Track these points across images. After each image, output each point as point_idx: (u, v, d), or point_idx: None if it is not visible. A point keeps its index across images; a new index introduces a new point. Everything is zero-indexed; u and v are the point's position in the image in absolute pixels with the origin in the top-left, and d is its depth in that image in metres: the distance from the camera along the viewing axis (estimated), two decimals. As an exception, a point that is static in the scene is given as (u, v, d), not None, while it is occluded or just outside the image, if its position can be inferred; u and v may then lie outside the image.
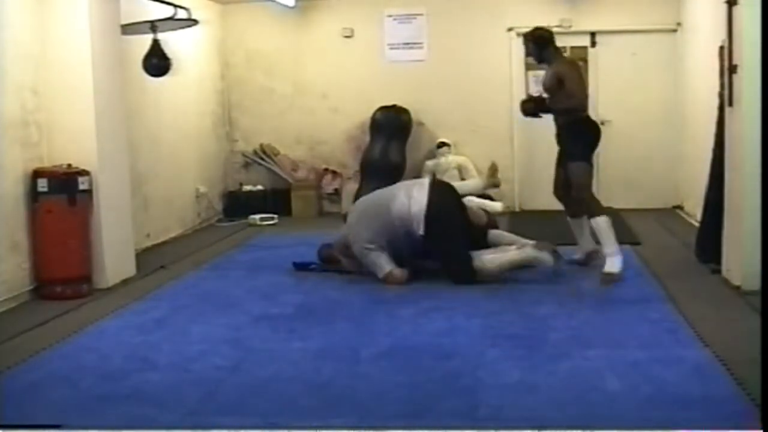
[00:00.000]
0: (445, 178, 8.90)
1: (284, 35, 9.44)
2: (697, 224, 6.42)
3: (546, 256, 5.43)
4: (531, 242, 5.64)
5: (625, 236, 7.26)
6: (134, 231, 6.38)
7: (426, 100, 9.13)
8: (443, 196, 5.62)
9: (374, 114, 9.10)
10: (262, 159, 9.47)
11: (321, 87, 9.42)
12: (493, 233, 5.98)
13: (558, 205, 8.99)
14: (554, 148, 9.10)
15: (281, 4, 8.76)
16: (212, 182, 9.02)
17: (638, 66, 8.95)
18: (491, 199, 8.95)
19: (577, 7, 8.88)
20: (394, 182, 8.75)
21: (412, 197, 5.49)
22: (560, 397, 3.43)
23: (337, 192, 9.41)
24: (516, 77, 9.09)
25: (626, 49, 8.96)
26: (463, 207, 5.81)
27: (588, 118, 5.90)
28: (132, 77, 6.66)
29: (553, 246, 5.57)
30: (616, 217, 8.37)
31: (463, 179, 8.97)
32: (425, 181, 5.85)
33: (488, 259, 5.45)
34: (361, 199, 5.97)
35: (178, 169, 8.14)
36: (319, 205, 9.42)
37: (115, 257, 5.86)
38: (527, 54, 6.47)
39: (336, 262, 5.88)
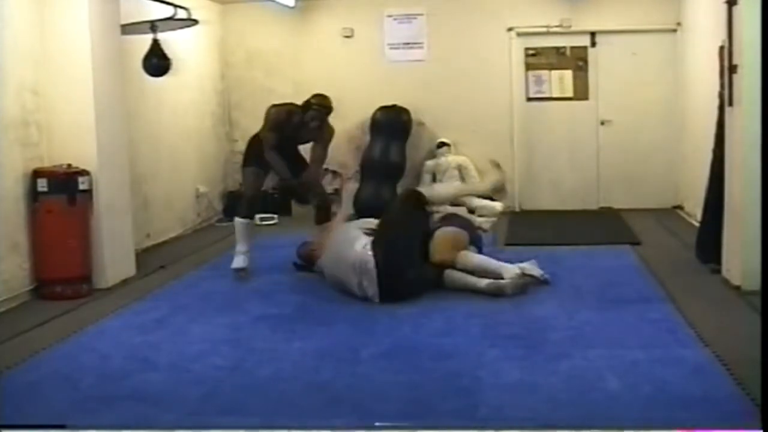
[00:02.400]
0: (445, 179, 8.94)
1: (284, 35, 9.44)
2: (697, 224, 6.41)
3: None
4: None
5: (625, 236, 7.30)
6: (134, 231, 6.38)
7: (426, 100, 9.12)
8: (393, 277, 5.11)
9: (374, 114, 9.09)
10: (262, 159, 9.46)
11: (321, 87, 9.34)
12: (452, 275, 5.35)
13: (557, 206, 9.09)
14: (554, 148, 9.17)
15: (281, 4, 8.75)
16: (212, 182, 9.01)
17: (638, 66, 8.94)
18: (491, 199, 8.96)
19: (577, 7, 8.88)
20: (395, 183, 8.87)
21: (363, 288, 5.10)
22: (560, 397, 3.44)
23: (337, 192, 9.39)
24: (516, 77, 9.09)
25: (626, 49, 8.95)
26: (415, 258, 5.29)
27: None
28: (132, 77, 6.66)
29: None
30: (616, 217, 8.43)
31: (463, 179, 8.97)
32: (369, 264, 5.09)
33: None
34: (327, 252, 5.50)
35: (178, 169, 8.14)
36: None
37: (115, 257, 5.86)
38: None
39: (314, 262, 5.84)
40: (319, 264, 5.68)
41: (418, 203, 5.55)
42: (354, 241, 5.25)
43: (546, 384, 3.58)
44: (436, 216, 5.76)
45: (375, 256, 5.08)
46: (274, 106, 6.23)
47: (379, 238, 5.21)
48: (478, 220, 5.96)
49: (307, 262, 5.96)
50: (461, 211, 6.11)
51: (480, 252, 5.57)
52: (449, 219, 5.73)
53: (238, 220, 6.02)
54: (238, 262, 5.90)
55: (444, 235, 5.45)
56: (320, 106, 6.12)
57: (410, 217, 5.47)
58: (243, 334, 4.51)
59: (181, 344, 4.33)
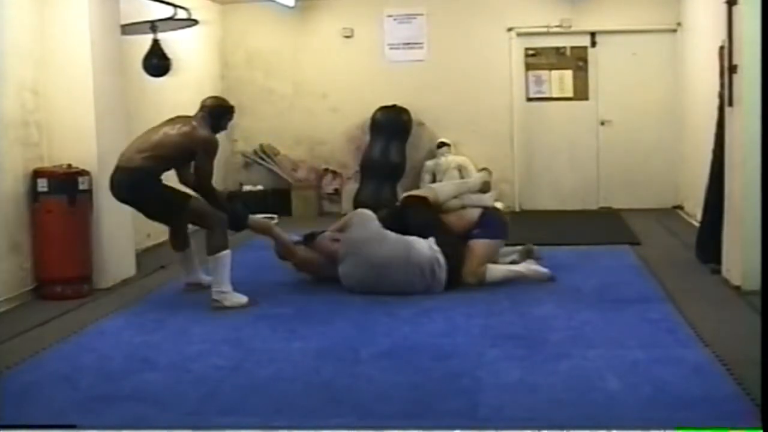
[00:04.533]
0: (445, 179, 8.93)
1: (284, 35, 9.44)
2: (697, 224, 6.41)
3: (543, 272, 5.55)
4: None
5: (625, 236, 7.30)
6: (134, 231, 6.38)
7: (426, 100, 9.13)
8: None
9: (374, 114, 9.10)
10: (262, 159, 9.48)
11: (321, 87, 9.42)
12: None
13: (557, 206, 9.09)
14: (554, 148, 9.16)
15: (281, 4, 8.76)
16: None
17: (638, 66, 8.95)
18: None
19: (577, 7, 8.88)
20: (395, 183, 8.89)
21: (436, 279, 5.28)
22: (560, 397, 3.43)
23: (337, 192, 9.41)
24: (516, 77, 9.09)
25: (626, 49, 8.96)
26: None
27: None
28: (132, 77, 6.65)
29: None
30: (616, 217, 8.43)
31: (463, 179, 8.97)
32: (441, 260, 5.32)
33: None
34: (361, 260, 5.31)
35: (178, 169, 8.12)
36: (319, 205, 9.42)
37: (115, 257, 5.86)
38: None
39: (294, 262, 5.67)
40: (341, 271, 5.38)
41: (426, 206, 5.63)
42: (411, 243, 5.28)
43: (546, 384, 3.58)
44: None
45: (443, 251, 5.27)
46: (185, 123, 5.24)
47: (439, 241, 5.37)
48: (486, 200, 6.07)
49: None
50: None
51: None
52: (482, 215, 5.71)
53: (225, 253, 5.08)
54: (240, 297, 5.10)
55: (472, 252, 5.44)
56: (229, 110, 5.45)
57: (428, 218, 5.56)
58: (243, 334, 4.51)
59: (181, 344, 4.33)
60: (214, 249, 5.08)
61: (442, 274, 5.26)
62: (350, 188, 9.23)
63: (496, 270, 5.48)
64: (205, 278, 5.43)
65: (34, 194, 5.42)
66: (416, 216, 5.57)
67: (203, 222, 5.25)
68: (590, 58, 9.06)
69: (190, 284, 5.54)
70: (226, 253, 5.10)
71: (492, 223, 5.59)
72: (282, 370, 3.88)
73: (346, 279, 5.35)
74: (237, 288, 5.28)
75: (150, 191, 5.16)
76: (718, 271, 5.48)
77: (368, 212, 5.65)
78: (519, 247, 5.90)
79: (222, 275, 5.06)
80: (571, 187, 9.18)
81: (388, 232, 5.38)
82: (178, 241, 5.52)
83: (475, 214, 5.63)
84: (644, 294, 5.16)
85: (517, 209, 9.12)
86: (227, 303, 5.03)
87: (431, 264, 5.25)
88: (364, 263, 5.27)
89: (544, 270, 5.55)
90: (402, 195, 6.02)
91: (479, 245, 5.45)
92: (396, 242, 5.32)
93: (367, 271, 5.26)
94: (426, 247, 5.31)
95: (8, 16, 5.32)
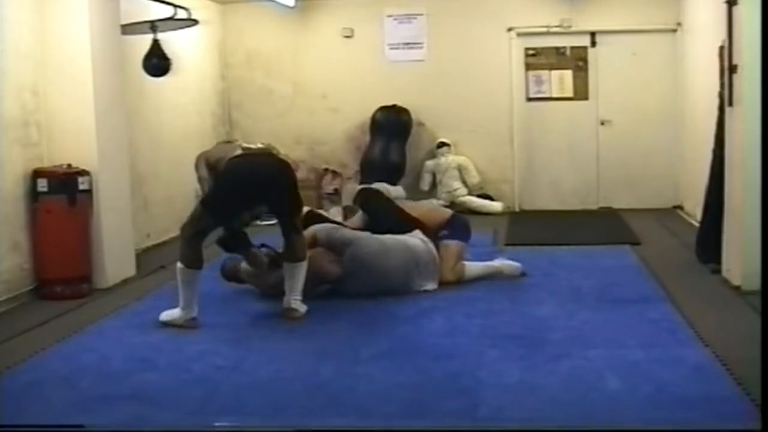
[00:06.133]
0: (445, 178, 8.96)
1: (284, 35, 9.44)
2: (697, 224, 6.41)
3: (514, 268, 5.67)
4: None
5: (625, 236, 7.30)
6: (134, 231, 6.39)
7: (426, 100, 9.13)
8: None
9: (374, 114, 9.11)
10: (262, 159, 9.47)
11: (321, 87, 9.42)
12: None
13: (557, 206, 9.09)
14: (554, 148, 9.16)
15: (281, 4, 8.75)
16: (212, 182, 9.00)
17: (638, 66, 8.95)
18: (491, 199, 8.97)
19: (577, 7, 8.88)
20: (395, 183, 8.88)
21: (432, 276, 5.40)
22: (560, 397, 3.44)
23: (337, 192, 9.40)
24: (516, 77, 9.09)
25: (626, 49, 8.95)
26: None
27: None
28: (132, 77, 6.66)
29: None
30: (616, 217, 8.43)
31: (463, 180, 8.98)
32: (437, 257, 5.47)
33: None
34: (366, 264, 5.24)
35: (178, 169, 8.10)
36: (319, 205, 9.39)
37: (115, 257, 5.87)
38: None
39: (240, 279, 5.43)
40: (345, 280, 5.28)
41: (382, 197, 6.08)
42: (407, 243, 5.37)
43: (546, 384, 3.58)
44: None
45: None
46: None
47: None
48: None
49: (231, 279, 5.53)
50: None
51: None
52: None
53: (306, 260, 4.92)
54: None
55: (448, 252, 5.53)
56: None
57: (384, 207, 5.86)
58: (243, 334, 4.52)
59: (181, 344, 4.33)
60: (301, 255, 4.88)
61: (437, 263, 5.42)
62: (350, 188, 9.21)
63: (474, 267, 5.61)
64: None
65: (34, 194, 5.42)
66: (376, 207, 5.78)
67: (299, 225, 5.00)
68: (590, 58, 9.06)
69: (194, 319, 4.72)
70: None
71: (460, 227, 5.77)
72: (282, 370, 3.88)
73: (351, 292, 5.24)
74: (236, 290, 5.28)
75: (294, 181, 4.88)
76: (718, 271, 5.48)
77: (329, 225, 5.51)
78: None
79: (301, 283, 4.87)
80: (571, 187, 9.19)
81: (380, 237, 5.39)
82: (201, 257, 4.88)
83: (446, 214, 5.89)
84: (644, 294, 5.16)
85: (517, 209, 9.12)
86: (302, 311, 4.83)
87: (431, 255, 5.37)
88: (377, 276, 5.22)
89: (518, 265, 5.67)
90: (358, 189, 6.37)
91: (453, 245, 5.58)
92: (398, 249, 5.32)
93: (381, 282, 5.23)
94: (419, 241, 5.41)
95: (8, 16, 5.32)
